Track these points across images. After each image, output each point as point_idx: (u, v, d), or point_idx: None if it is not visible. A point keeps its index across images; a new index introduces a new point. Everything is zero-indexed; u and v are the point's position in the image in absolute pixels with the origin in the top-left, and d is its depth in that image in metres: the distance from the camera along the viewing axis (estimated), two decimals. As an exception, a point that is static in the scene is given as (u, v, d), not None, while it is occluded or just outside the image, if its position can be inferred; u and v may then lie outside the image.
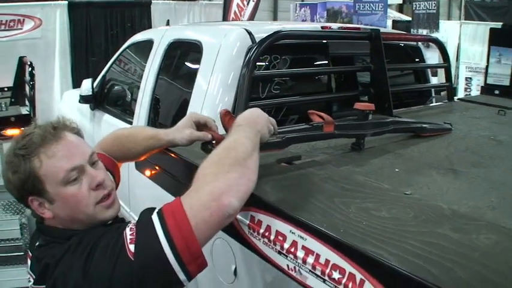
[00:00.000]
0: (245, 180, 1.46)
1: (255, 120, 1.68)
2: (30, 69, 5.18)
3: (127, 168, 2.78)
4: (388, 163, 2.10)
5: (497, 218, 1.54)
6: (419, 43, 4.18)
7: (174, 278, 1.36)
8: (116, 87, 4.57)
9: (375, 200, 1.59)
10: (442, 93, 4.20)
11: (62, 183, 1.50)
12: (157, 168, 2.21)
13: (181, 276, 1.36)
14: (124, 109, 4.29)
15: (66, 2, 9.50)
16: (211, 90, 2.84)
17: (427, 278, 1.11)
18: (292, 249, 1.44)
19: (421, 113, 3.33)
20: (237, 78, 2.73)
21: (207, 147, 1.86)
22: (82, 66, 9.57)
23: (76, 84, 8.51)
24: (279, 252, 1.49)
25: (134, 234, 1.38)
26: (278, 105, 2.95)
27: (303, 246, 1.41)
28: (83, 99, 4.68)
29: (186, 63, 3.55)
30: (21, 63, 5.71)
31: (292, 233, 1.44)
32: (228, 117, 1.82)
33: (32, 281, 1.53)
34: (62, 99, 6.90)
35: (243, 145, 1.54)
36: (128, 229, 1.40)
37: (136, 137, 2.01)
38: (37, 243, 1.57)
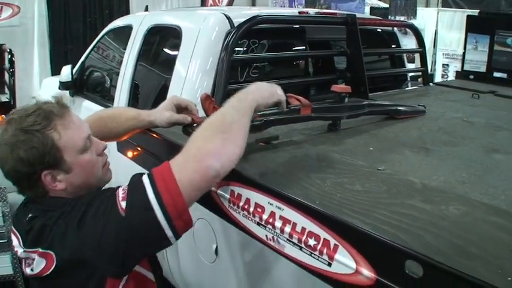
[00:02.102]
0: (229, 145, 1.55)
1: (248, 91, 1.74)
2: (9, 56, 5.17)
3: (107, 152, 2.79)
4: (363, 142, 2.17)
5: (467, 192, 1.61)
6: (396, 30, 4.24)
7: (161, 234, 1.45)
8: (95, 74, 4.59)
9: (349, 175, 1.66)
10: (419, 79, 4.26)
11: (80, 151, 1.61)
12: (139, 149, 2.25)
13: (169, 232, 1.46)
14: (104, 95, 4.30)
15: (45, -11, 9.42)
16: (190, 75, 2.87)
17: (398, 242, 1.18)
18: (271, 220, 1.50)
19: (396, 97, 3.39)
20: (216, 63, 2.75)
21: (188, 130, 1.92)
22: (61, 53, 9.52)
23: (55, 71, 8.44)
24: (258, 224, 1.55)
25: (126, 192, 1.48)
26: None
27: (280, 216, 1.47)
28: (63, 85, 4.66)
29: (165, 48, 3.57)
30: (1, 50, 5.68)
31: (270, 204, 1.51)
32: (209, 101, 1.87)
33: (21, 250, 1.60)
34: (41, 86, 6.87)
35: (228, 114, 1.62)
36: (120, 189, 1.51)
37: (119, 118, 2.06)
38: (30, 215, 1.60)
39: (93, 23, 9.86)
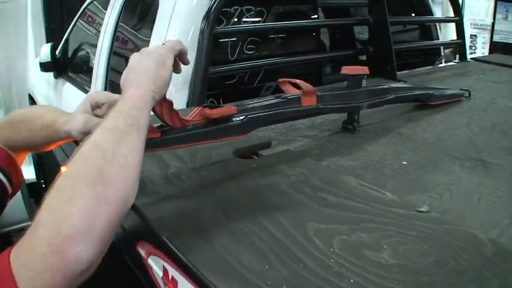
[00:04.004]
0: (102, 207, 0.86)
1: (130, 86, 1.05)
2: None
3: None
4: (392, 151, 1.51)
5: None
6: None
7: None
8: (77, 51, 4.03)
9: (371, 224, 0.99)
10: (447, 51, 3.65)
11: None
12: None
13: None
14: (85, 76, 3.67)
15: (37, -40, 8.78)
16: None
17: None
18: None
19: (430, 76, 2.78)
20: (200, 36, 2.13)
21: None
22: (57, 31, 8.91)
23: (51, 51, 7.93)
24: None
25: None
26: (250, 69, 2.36)
27: None
28: (43, 66, 4.09)
29: (143, 18, 2.95)
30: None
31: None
32: (162, 104, 1.19)
33: None
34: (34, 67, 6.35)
35: (98, 148, 0.94)
36: None
37: (34, 124, 1.38)
38: None
39: (93, -4, 9.25)
